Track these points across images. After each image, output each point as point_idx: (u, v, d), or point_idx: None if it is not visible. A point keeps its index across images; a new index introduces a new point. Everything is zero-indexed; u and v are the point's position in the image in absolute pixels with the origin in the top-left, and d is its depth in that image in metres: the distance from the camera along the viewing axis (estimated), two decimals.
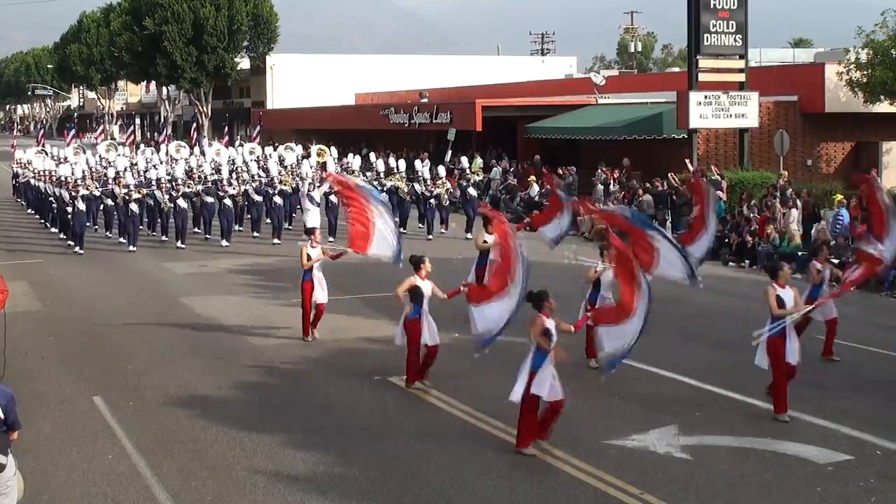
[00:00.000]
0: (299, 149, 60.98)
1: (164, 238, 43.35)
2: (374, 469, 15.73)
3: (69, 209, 41.71)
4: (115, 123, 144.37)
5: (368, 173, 49.71)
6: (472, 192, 45.60)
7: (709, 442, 16.79)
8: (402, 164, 49.91)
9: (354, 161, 53.55)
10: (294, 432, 17.44)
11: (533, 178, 51.63)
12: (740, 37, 45.89)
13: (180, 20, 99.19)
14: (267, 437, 17.12)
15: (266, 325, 26.62)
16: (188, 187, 44.15)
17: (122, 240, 42.30)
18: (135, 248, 40.52)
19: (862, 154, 52.34)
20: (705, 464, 15.77)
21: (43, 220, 51.67)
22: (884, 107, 49.17)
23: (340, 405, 19.23)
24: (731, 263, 37.11)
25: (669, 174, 44.01)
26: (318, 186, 42.29)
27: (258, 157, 57.46)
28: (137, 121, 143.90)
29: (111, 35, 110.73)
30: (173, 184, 43.63)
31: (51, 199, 48.39)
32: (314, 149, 59.13)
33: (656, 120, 51.20)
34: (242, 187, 45.61)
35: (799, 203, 38.00)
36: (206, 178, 47.73)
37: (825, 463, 15.86)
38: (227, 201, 42.86)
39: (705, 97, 45.71)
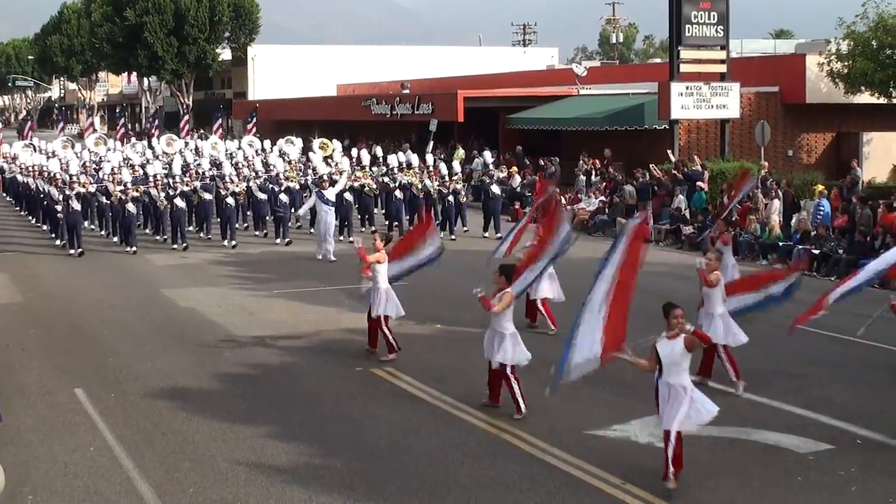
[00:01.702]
0: (300, 142, 60.30)
1: (157, 238, 40.92)
2: (357, 459, 15.74)
3: (59, 207, 39.15)
4: (97, 115, 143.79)
5: (375, 168, 48.75)
6: (496, 189, 43.02)
7: (690, 432, 16.81)
8: (415, 159, 48.65)
9: (363, 156, 51.85)
10: (276, 423, 17.44)
11: (515, 168, 51.61)
12: (721, 28, 45.93)
13: (161, 11, 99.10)
14: (249, 429, 17.11)
15: (248, 316, 26.60)
16: (186, 185, 41.47)
17: (116, 239, 40.48)
18: (135, 250, 37.99)
19: (842, 144, 52.50)
20: (686, 454, 15.75)
21: (32, 218, 49.21)
22: (864, 97, 49.31)
23: (323, 396, 19.22)
24: None
25: (651, 165, 44.04)
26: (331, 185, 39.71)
27: (257, 151, 56.74)
28: (123, 112, 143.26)
29: (92, 26, 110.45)
30: (171, 181, 41.69)
31: (41, 195, 45.60)
32: (316, 142, 57.70)
33: (638, 111, 51.27)
34: (244, 184, 43.62)
35: (780, 193, 38.08)
36: (203, 173, 46.07)
37: (806, 452, 15.90)
38: (230, 199, 40.23)
39: (687, 88, 45.77)
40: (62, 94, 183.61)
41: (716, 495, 14.39)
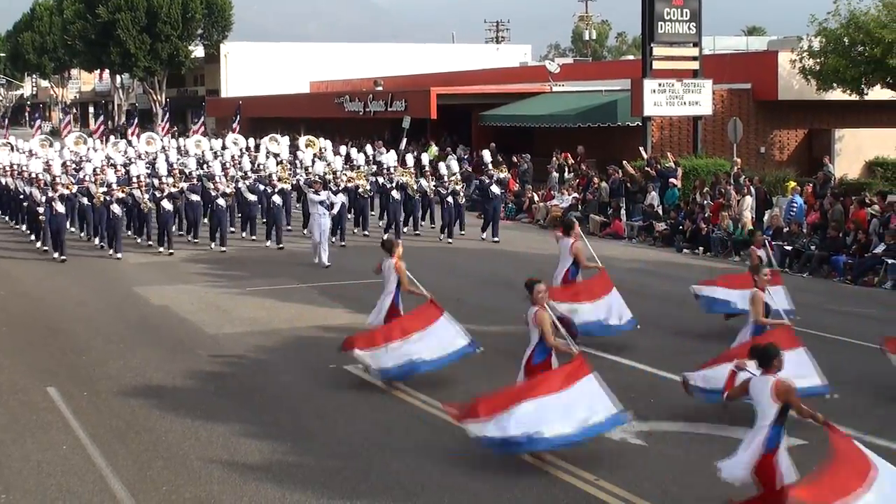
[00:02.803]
0: (285, 140, 59.22)
1: (140, 241, 39.14)
2: (331, 458, 15.73)
3: (41, 210, 37.27)
4: (71, 112, 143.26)
5: (365, 167, 47.94)
6: (496, 189, 41.09)
7: (664, 428, 16.87)
8: (410, 158, 46.87)
9: (359, 156, 51.06)
10: (250, 421, 17.42)
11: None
12: (694, 25, 46.05)
13: (134, 8, 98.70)
14: (222, 427, 17.08)
15: (221, 314, 26.55)
16: (174, 186, 39.06)
17: (100, 243, 38.55)
18: (120, 256, 36.01)
19: (815, 141, 52.73)
20: (660, 450, 15.84)
21: (10, 221, 46.67)
22: (836, 94, 49.50)
23: (296, 394, 19.20)
24: (685, 250, 37.29)
25: (623, 162, 44.12)
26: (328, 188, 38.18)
27: (242, 150, 55.41)
28: (100, 109, 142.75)
29: (64, 23, 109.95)
30: (157, 182, 39.56)
31: (21, 196, 43.40)
32: (302, 140, 56.79)
33: (610, 108, 51.40)
34: (233, 185, 40.90)
35: (752, 190, 38.20)
36: (190, 173, 43.66)
37: None
38: (221, 201, 38.22)
39: (659, 85, 45.88)
40: (34, 92, 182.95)
41: (690, 491, 14.43)
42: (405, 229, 40.38)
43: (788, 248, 33.54)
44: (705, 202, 38.56)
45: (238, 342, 23.32)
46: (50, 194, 36.60)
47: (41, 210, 37.49)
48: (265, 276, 32.03)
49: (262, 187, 40.81)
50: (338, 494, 14.31)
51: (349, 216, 41.40)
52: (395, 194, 40.73)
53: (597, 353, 21.13)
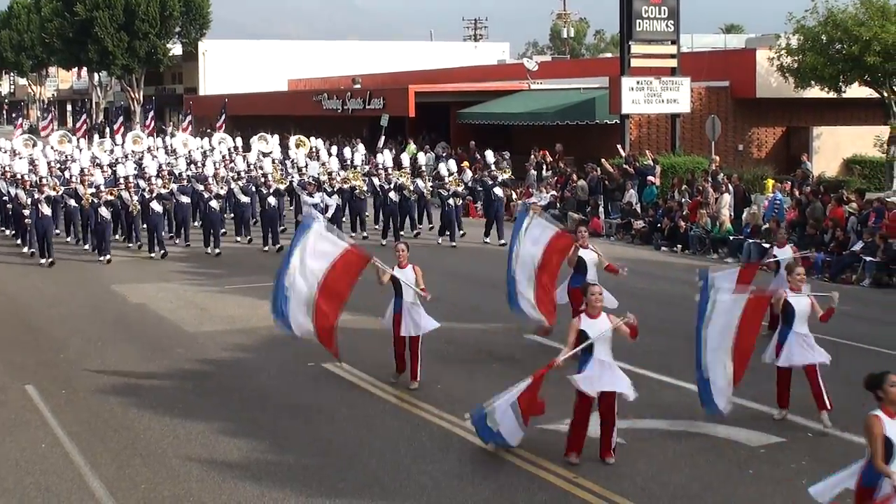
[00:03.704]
0: (274, 140, 57.22)
1: (130, 245, 37.76)
2: (309, 455, 15.75)
3: (27, 212, 35.90)
4: (52, 111, 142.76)
5: (360, 167, 46.67)
6: (499, 191, 39.73)
7: (641, 425, 16.87)
8: (406, 158, 45.24)
9: (356, 155, 50.49)
10: (228, 419, 17.42)
11: (466, 163, 51.63)
12: (672, 22, 46.20)
13: (111, 6, 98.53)
14: (201, 425, 17.08)
15: (200, 312, 26.53)
16: (164, 187, 37.73)
17: (87, 247, 37.39)
18: (110, 259, 34.82)
19: (792, 139, 52.91)
20: (638, 447, 15.85)
21: None
22: (814, 92, 49.74)
23: (275, 392, 19.22)
24: (663, 248, 37.34)
25: (602, 160, 44.17)
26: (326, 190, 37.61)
27: (230, 149, 54.47)
28: (84, 107, 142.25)
29: (42, 21, 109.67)
30: (147, 183, 38.00)
31: (4, 198, 41.92)
32: (292, 139, 54.90)
33: (588, 105, 51.50)
34: (226, 186, 40.00)
35: (730, 188, 38.28)
36: (180, 174, 42.70)
37: (757, 445, 15.99)
38: (214, 203, 36.90)
39: (637, 83, 46.02)
40: (12, 90, 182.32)
41: (668, 489, 14.42)
42: (401, 232, 39.22)
43: (766, 245, 33.59)
44: (683, 200, 38.65)
45: (216, 340, 23.31)
46: (36, 196, 35.11)
47: (27, 213, 36.09)
48: (244, 274, 31.98)
49: (253, 188, 39.72)
50: (316, 492, 14.31)
51: (345, 219, 39.91)
52: (393, 196, 39.20)
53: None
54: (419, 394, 18.33)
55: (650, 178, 41.80)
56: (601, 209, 42.40)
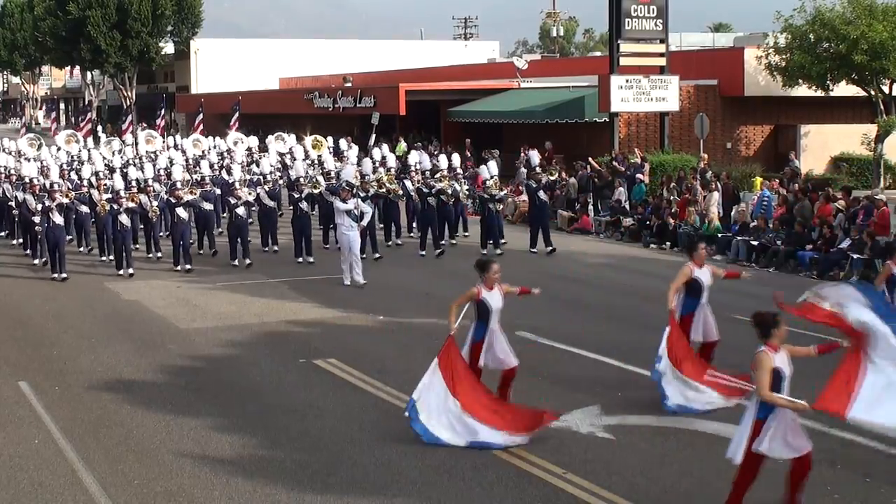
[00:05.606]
0: (292, 139, 54.41)
1: (151, 256, 34.76)
2: (300, 451, 15.85)
3: (37, 219, 32.57)
4: (39, 109, 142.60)
5: (381, 169, 41.05)
6: (543, 196, 36.50)
7: (631, 422, 16.96)
8: (444, 160, 39.05)
9: (390, 156, 45.85)
10: (220, 415, 17.52)
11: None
12: (661, 21, 46.30)
13: (104, 5, 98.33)
14: (193, 421, 17.19)
15: (192, 308, 26.63)
16: (191, 193, 34.55)
17: (104, 258, 34.31)
18: (132, 273, 31.72)
19: (780, 137, 53.06)
20: (627, 443, 15.96)
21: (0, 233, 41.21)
22: (802, 90, 49.87)
23: (266, 388, 19.32)
24: (652, 245, 37.45)
25: (590, 158, 44.30)
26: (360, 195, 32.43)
27: (249, 150, 51.54)
28: (61, 105, 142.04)
29: (35, 20, 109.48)
30: (173, 188, 34.49)
31: (10, 204, 38.48)
32: (308, 140, 50.78)
33: (578, 104, 51.61)
34: (254, 191, 35.58)
35: (719, 185, 38.43)
36: (203, 178, 38.96)
37: None
38: (241, 210, 33.46)
39: (626, 81, 46.12)
40: (5, 89, 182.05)
41: (658, 484, 14.53)
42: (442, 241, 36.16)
43: (755, 243, 33.79)
44: (672, 198, 38.80)
45: (209, 337, 23.40)
46: (47, 203, 31.81)
47: (37, 220, 32.69)
48: (235, 271, 32.04)
49: (292, 194, 36.26)
50: (307, 488, 14.41)
51: (378, 224, 36.90)
52: (431, 201, 35.75)
53: (565, 348, 21.38)
54: (410, 389, 18.43)
55: (639, 175, 41.95)
56: (590, 207, 42.50)
